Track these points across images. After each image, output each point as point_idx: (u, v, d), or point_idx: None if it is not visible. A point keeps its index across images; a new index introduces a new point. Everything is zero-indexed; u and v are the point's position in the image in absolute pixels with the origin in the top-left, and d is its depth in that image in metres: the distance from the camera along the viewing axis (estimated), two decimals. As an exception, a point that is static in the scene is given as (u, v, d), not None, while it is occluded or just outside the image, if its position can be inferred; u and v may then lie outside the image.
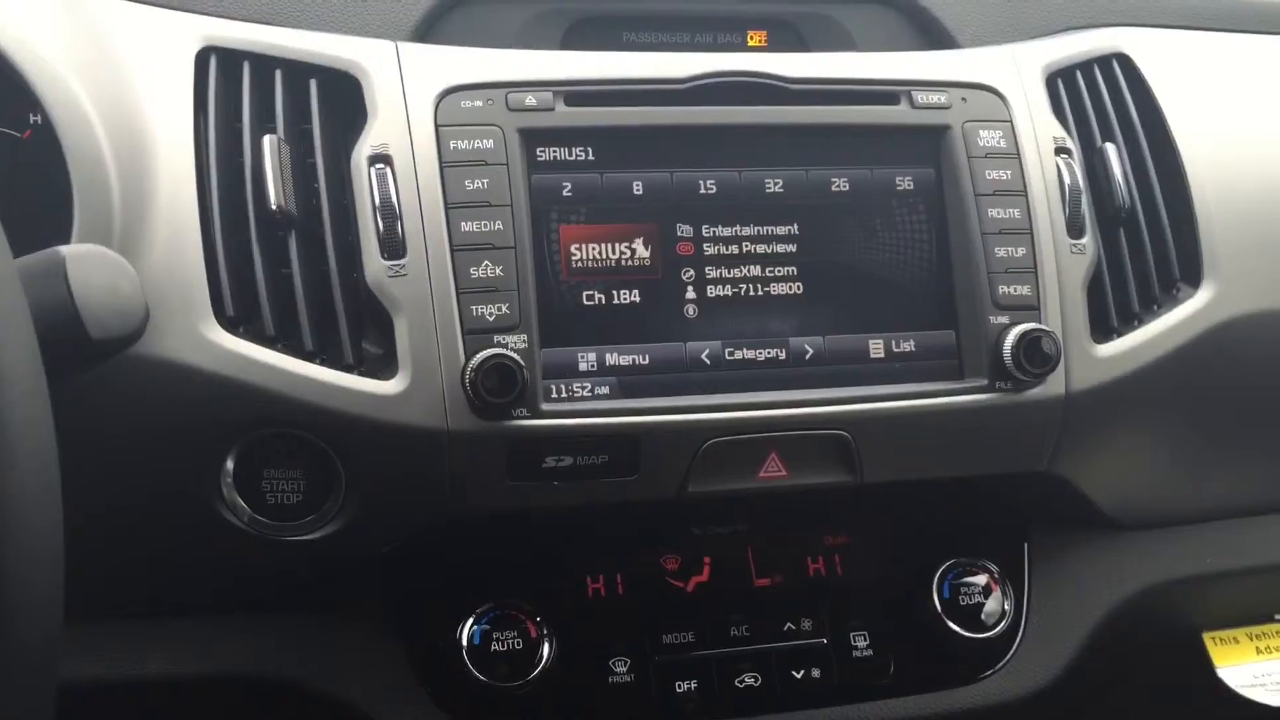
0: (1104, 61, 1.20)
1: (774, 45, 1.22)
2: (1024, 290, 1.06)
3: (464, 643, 1.04)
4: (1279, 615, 1.35)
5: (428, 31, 1.12)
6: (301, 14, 1.08)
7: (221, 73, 1.01)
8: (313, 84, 1.02)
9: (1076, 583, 1.21)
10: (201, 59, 1.01)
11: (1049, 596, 1.20)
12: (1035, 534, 1.21)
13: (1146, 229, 1.14)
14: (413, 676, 1.05)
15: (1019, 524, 1.21)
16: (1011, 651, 1.17)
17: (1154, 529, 1.24)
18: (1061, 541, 1.22)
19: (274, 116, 1.00)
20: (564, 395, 0.98)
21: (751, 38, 1.22)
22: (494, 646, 1.04)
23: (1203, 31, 1.28)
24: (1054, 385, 1.06)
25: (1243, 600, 1.32)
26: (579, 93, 1.02)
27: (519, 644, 1.04)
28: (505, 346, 0.95)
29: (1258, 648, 1.32)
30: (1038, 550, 1.21)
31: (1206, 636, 1.31)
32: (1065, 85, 1.17)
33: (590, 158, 1.01)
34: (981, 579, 1.16)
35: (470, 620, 1.05)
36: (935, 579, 1.15)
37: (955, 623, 1.13)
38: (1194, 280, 1.14)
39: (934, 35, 1.22)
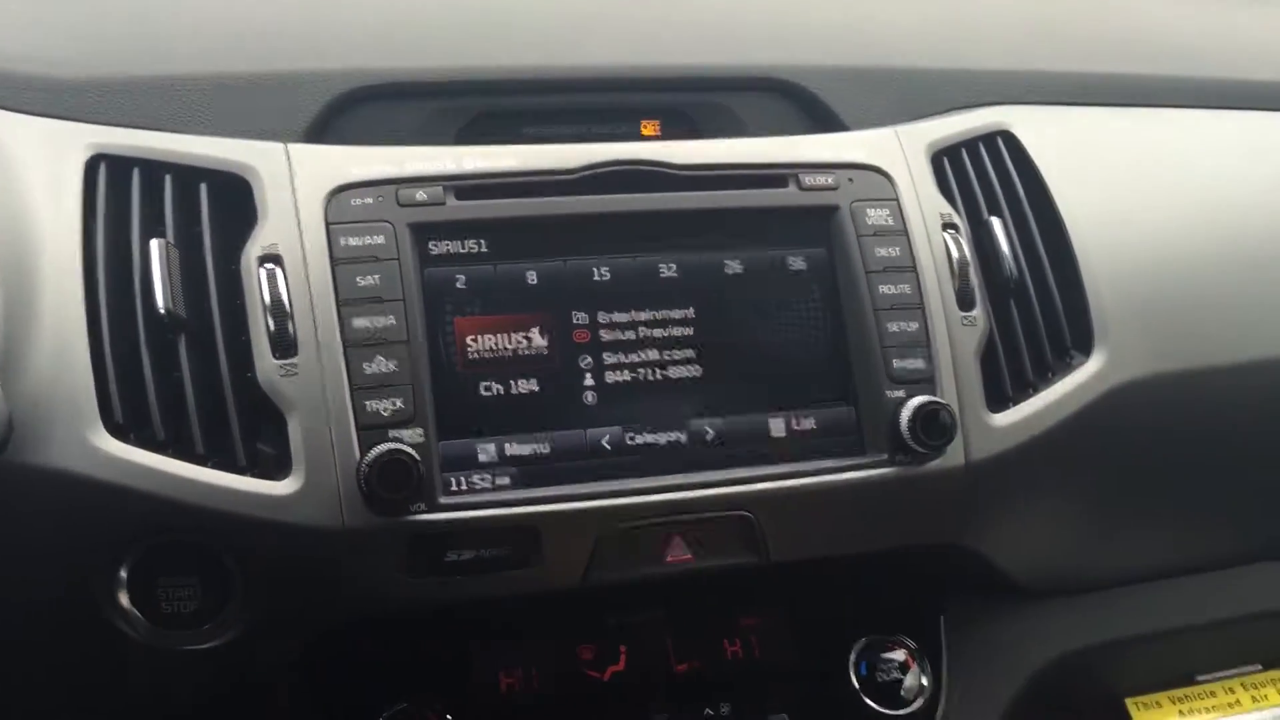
0: (988, 138, 1.24)
1: (667, 134, 1.24)
2: (918, 363, 1.07)
3: (375, 748, 1.02)
4: (1200, 676, 1.35)
5: (322, 132, 1.12)
6: (192, 119, 1.08)
7: (111, 180, 1.01)
8: (202, 188, 1.02)
9: (994, 653, 1.21)
10: (90, 166, 1.01)
11: (967, 668, 1.20)
12: (951, 606, 1.21)
13: (1036, 299, 1.17)
14: (324, 785, 1.03)
15: (934, 597, 1.21)
16: (933, 726, 1.16)
17: (1069, 595, 1.25)
18: (976, 612, 1.22)
19: (164, 221, 1.00)
20: (463, 488, 0.97)
21: (645, 127, 1.24)
22: (406, 750, 1.02)
23: (1083, 106, 1.32)
24: (953, 456, 1.07)
25: (1162, 663, 1.32)
26: (469, 186, 1.03)
27: (431, 746, 1.02)
28: (400, 441, 0.94)
29: (1180, 710, 1.33)
30: (954, 622, 1.21)
31: (1129, 702, 1.31)
32: (951, 162, 1.20)
33: (483, 249, 1.02)
34: (899, 654, 1.16)
35: (380, 722, 1.03)
36: (852, 656, 1.14)
37: (874, 700, 1.13)
38: (1085, 348, 1.17)
39: (823, 120, 1.25)
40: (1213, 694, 1.34)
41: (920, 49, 1.34)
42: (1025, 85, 1.32)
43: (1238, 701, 1.34)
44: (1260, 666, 1.37)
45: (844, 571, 1.17)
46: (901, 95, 1.28)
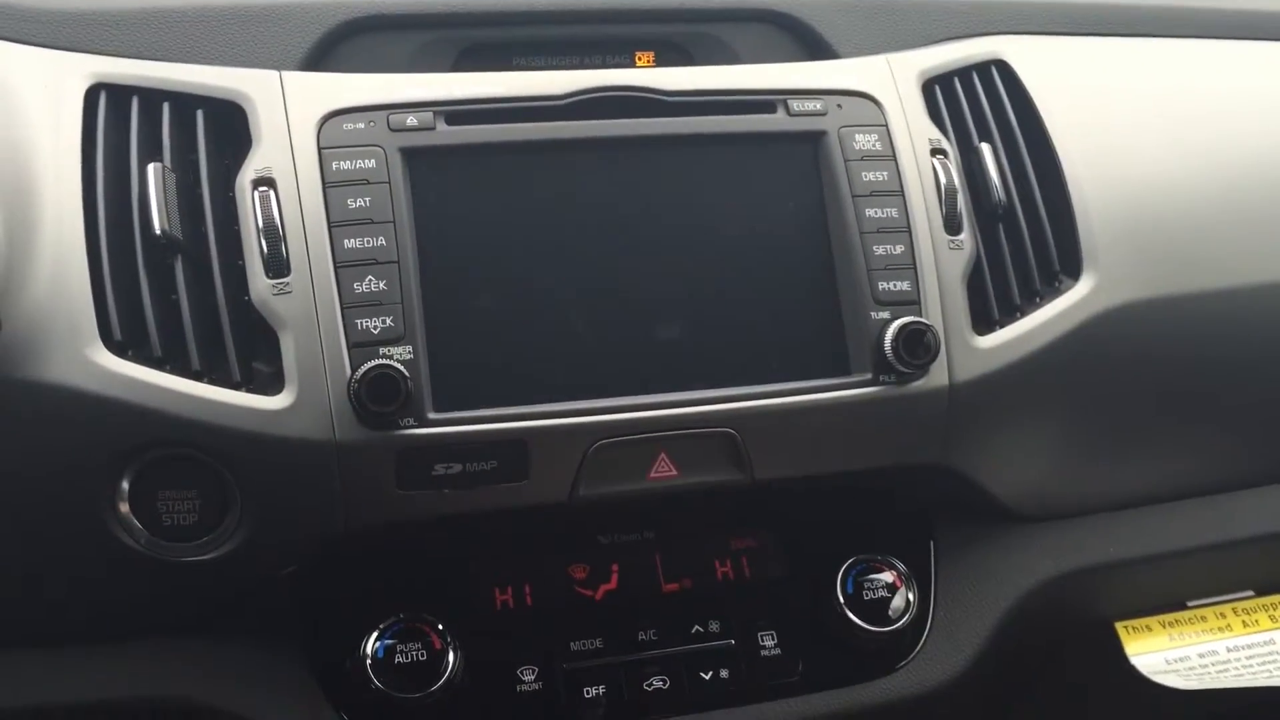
0: (982, 68, 1.24)
1: (661, 65, 1.25)
2: (904, 286, 1.09)
3: (368, 656, 1.05)
4: (1191, 602, 1.36)
5: (318, 63, 1.15)
6: (190, 50, 1.10)
7: (111, 108, 1.04)
8: (199, 114, 1.05)
9: (983, 575, 1.23)
10: (91, 95, 1.04)
11: (955, 590, 1.21)
12: (941, 529, 1.23)
13: (1026, 224, 1.18)
14: (320, 693, 1.06)
15: (924, 520, 1.23)
16: (919, 645, 1.18)
17: (1058, 520, 1.26)
18: (967, 535, 1.23)
19: (161, 147, 1.03)
20: (452, 403, 1.00)
21: (639, 59, 1.25)
22: (398, 659, 1.05)
23: (1077, 37, 1.32)
24: (937, 377, 1.09)
25: (1153, 588, 1.33)
26: (459, 112, 1.05)
27: (423, 655, 1.05)
28: (390, 357, 0.97)
29: (1170, 635, 1.34)
30: (943, 545, 1.23)
31: (1119, 625, 1.33)
32: (943, 90, 1.21)
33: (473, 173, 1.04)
34: (887, 575, 1.17)
35: (375, 634, 1.06)
36: (839, 575, 1.16)
37: (860, 618, 1.15)
38: (1074, 272, 1.18)
39: (816, 49, 1.26)
40: (1203, 619, 1.35)
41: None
42: (1021, 16, 1.32)
43: (1228, 626, 1.35)
44: (1253, 592, 1.38)
45: (834, 495, 1.19)
46: (896, 26, 1.28)
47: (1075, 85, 1.27)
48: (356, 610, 1.07)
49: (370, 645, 1.05)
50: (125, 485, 0.97)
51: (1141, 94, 1.30)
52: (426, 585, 1.10)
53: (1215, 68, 1.35)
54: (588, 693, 1.10)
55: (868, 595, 1.16)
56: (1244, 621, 1.36)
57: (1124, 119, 1.27)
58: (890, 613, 1.16)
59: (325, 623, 1.08)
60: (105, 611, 1.03)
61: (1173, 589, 1.35)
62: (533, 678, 1.10)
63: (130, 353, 0.96)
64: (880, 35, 1.27)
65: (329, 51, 1.16)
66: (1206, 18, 1.38)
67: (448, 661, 1.05)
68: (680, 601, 1.16)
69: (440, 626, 1.06)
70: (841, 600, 1.15)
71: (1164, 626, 1.34)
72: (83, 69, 1.05)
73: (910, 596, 1.17)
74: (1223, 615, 1.36)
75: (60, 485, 0.96)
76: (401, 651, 1.05)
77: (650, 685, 1.11)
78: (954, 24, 1.29)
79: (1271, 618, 1.37)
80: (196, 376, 0.97)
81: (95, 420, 0.94)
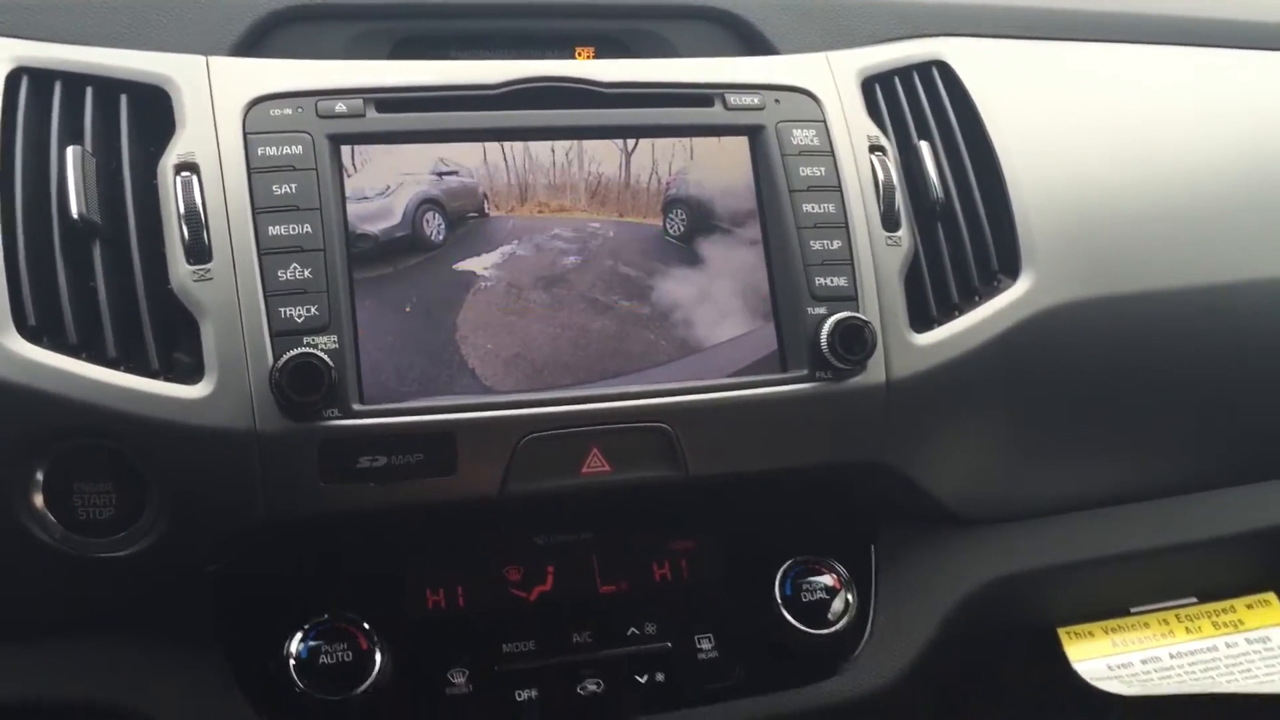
0: (922, 68, 1.24)
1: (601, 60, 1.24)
2: (840, 281, 1.08)
3: (292, 657, 1.02)
4: (1135, 608, 1.36)
5: (249, 51, 1.13)
6: (116, 36, 1.08)
7: (32, 92, 1.01)
8: (123, 99, 1.02)
9: (924, 578, 1.22)
10: (12, 79, 1.01)
11: (896, 592, 1.20)
12: (882, 532, 1.22)
13: (964, 222, 1.17)
14: (241, 695, 1.03)
15: (866, 522, 1.22)
16: (859, 648, 1.17)
17: (1000, 523, 1.25)
18: (908, 537, 1.22)
19: (83, 132, 1.00)
20: (378, 394, 0.98)
21: (579, 54, 1.24)
22: (323, 660, 1.02)
23: (1018, 40, 1.32)
24: (874, 373, 1.08)
25: (1095, 593, 1.33)
26: (391, 99, 1.03)
27: (349, 656, 1.03)
28: (315, 347, 0.94)
29: (1113, 641, 1.33)
30: (884, 547, 1.21)
31: (1061, 631, 1.32)
32: (883, 89, 1.21)
33: None
34: (826, 577, 1.16)
35: (299, 634, 1.03)
36: (778, 577, 1.15)
37: (798, 620, 1.13)
38: (1012, 271, 1.17)
39: (757, 47, 1.25)
40: (1146, 625, 1.34)
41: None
42: (962, 18, 1.32)
43: (1171, 632, 1.35)
44: (1196, 599, 1.37)
45: (774, 495, 1.17)
46: (838, 25, 1.28)
47: (1016, 87, 1.27)
48: (281, 610, 1.04)
49: (294, 645, 1.02)
50: (39, 476, 0.94)
51: (1081, 97, 1.30)
52: (354, 585, 1.07)
53: (1153, 73, 1.35)
54: (520, 696, 1.08)
55: (806, 597, 1.14)
56: (1187, 628, 1.35)
57: (1064, 121, 1.27)
58: (829, 615, 1.14)
59: (248, 622, 1.04)
60: (13, 608, 0.99)
61: (1115, 594, 1.35)
62: (463, 680, 1.07)
63: (45, 339, 0.93)
64: (821, 34, 1.27)
65: (260, 40, 1.14)
66: (1146, 24, 1.39)
67: (374, 662, 1.03)
68: (617, 604, 1.13)
69: (367, 627, 1.03)
70: (780, 602, 1.13)
71: (1107, 632, 1.33)
72: (5, 53, 1.02)
73: (850, 599, 1.15)
74: (1165, 621, 1.35)
75: (-31, 474, 0.93)
76: (326, 652, 1.02)
77: (585, 689, 1.09)
78: (895, 24, 1.29)
79: (1214, 624, 1.37)
80: (113, 365, 0.94)
81: (7, 409, 0.91)
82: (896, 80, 1.22)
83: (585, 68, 1.10)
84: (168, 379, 0.95)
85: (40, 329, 0.93)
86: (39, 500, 0.94)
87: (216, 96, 1.01)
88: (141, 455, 0.94)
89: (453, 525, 1.09)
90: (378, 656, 1.03)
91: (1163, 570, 1.34)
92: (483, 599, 1.11)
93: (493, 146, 1.04)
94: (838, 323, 1.04)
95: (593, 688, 1.09)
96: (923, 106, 1.21)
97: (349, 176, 1.00)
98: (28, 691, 0.98)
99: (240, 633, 1.05)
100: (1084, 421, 1.23)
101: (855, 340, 1.04)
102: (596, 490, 1.04)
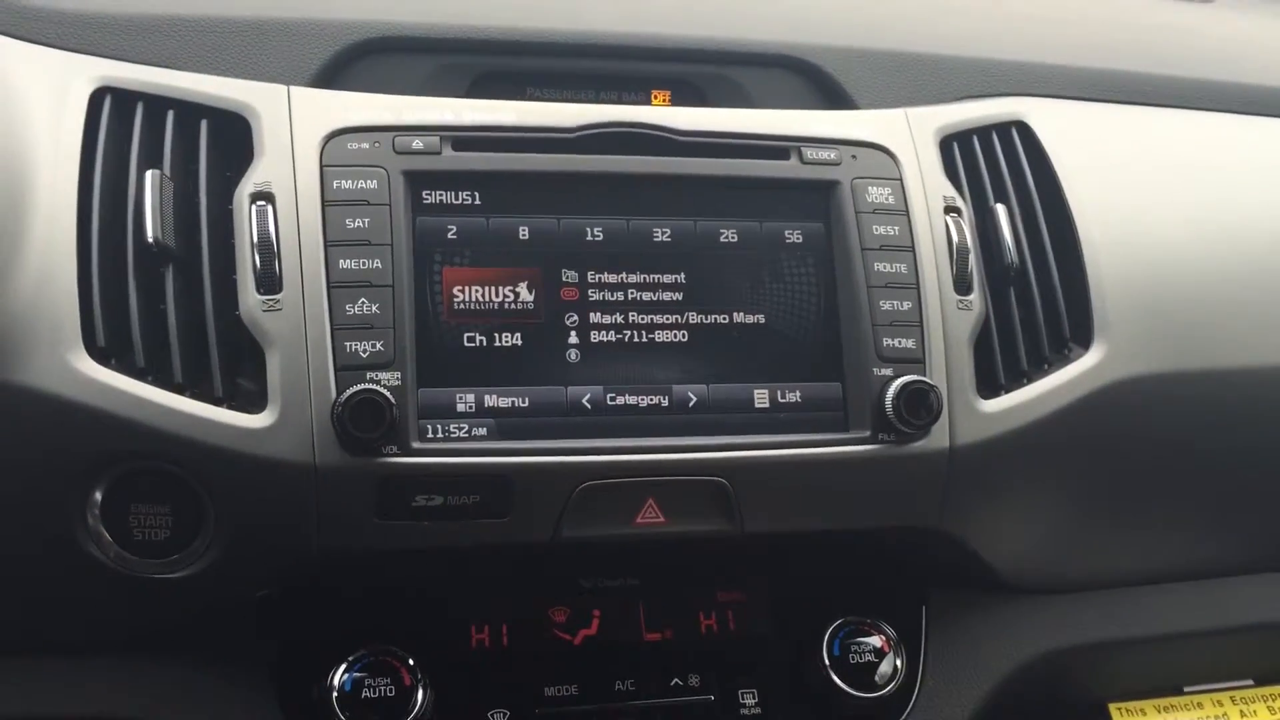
0: (1002, 128, 1.22)
1: (677, 105, 1.23)
2: (908, 343, 1.06)
3: (335, 689, 1.02)
4: (1188, 688, 1.33)
5: (328, 82, 1.13)
6: (199, 60, 1.09)
7: (115, 113, 1.02)
8: (203, 124, 1.03)
9: (975, 646, 1.20)
10: (96, 99, 1.02)
11: (945, 658, 1.18)
12: (934, 596, 1.20)
13: (1037, 288, 1.15)
14: (282, 721, 1.03)
15: (918, 585, 1.20)
16: (905, 714, 1.15)
17: (1055, 594, 1.23)
18: (960, 603, 1.20)
19: (162, 155, 1.01)
20: (440, 435, 0.98)
21: (655, 97, 1.24)
22: (366, 693, 1.02)
23: (1100, 103, 1.30)
24: (938, 438, 1.06)
25: (1149, 670, 1.30)
26: (466, 138, 1.03)
27: (392, 691, 1.03)
28: (377, 383, 0.94)
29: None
30: (936, 611, 1.19)
31: (1113, 706, 1.29)
32: (961, 148, 1.19)
33: (476, 201, 1.02)
34: (875, 639, 1.14)
35: (343, 666, 1.03)
36: (826, 636, 1.13)
37: (845, 682, 1.11)
38: (1085, 341, 1.15)
39: (834, 99, 1.24)
40: (1200, 705, 1.31)
41: (939, 35, 1.33)
42: (1043, 78, 1.30)
43: (1225, 715, 1.31)
44: (1252, 681, 1.34)
45: (826, 553, 1.16)
46: (917, 80, 1.27)
47: (1095, 152, 1.25)
48: (327, 640, 1.04)
49: (338, 677, 1.03)
50: (98, 496, 0.95)
51: (1162, 165, 1.28)
52: (401, 619, 1.07)
53: (1235, 143, 1.33)
54: (559, 740, 1.07)
55: (854, 659, 1.13)
56: (1241, 711, 1.32)
57: (1143, 189, 1.24)
58: (877, 678, 1.13)
59: (294, 651, 1.04)
60: (66, 625, 1.00)
61: (1169, 672, 1.32)
62: (503, 721, 1.07)
63: (113, 361, 0.94)
64: (900, 89, 1.26)
65: (341, 70, 1.14)
66: (1229, 92, 1.36)
67: (416, 699, 1.03)
68: (661, 652, 1.12)
69: (411, 662, 1.03)
70: (827, 662, 1.12)
71: (1159, 711, 1.31)
72: (89, 71, 1.04)
73: (898, 663, 1.14)
74: (1220, 703, 1.32)
75: (30, 491, 0.93)
76: (370, 686, 1.02)
77: (625, 737, 1.08)
78: (976, 82, 1.28)
79: (1270, 709, 1.34)
80: (179, 389, 0.94)
81: (73, 429, 0.92)
82: (975, 139, 1.20)
83: (661, 114, 1.09)
84: (230, 406, 0.95)
85: (108, 350, 0.94)
86: (96, 519, 0.95)
87: (296, 127, 1.01)
88: (201, 480, 0.95)
89: (500, 564, 1.09)
90: (420, 693, 1.03)
91: (1220, 651, 1.31)
92: (527, 639, 1.11)
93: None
94: (904, 385, 1.03)
95: (633, 737, 1.09)
96: (1000, 168, 1.19)
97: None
98: (72, 708, 0.99)
99: (285, 660, 1.05)
100: (1147, 497, 1.21)
101: (921, 404, 1.03)
102: (648, 539, 1.03)
